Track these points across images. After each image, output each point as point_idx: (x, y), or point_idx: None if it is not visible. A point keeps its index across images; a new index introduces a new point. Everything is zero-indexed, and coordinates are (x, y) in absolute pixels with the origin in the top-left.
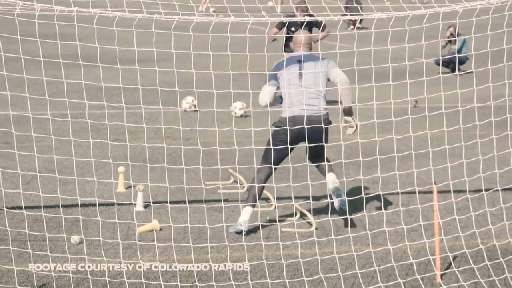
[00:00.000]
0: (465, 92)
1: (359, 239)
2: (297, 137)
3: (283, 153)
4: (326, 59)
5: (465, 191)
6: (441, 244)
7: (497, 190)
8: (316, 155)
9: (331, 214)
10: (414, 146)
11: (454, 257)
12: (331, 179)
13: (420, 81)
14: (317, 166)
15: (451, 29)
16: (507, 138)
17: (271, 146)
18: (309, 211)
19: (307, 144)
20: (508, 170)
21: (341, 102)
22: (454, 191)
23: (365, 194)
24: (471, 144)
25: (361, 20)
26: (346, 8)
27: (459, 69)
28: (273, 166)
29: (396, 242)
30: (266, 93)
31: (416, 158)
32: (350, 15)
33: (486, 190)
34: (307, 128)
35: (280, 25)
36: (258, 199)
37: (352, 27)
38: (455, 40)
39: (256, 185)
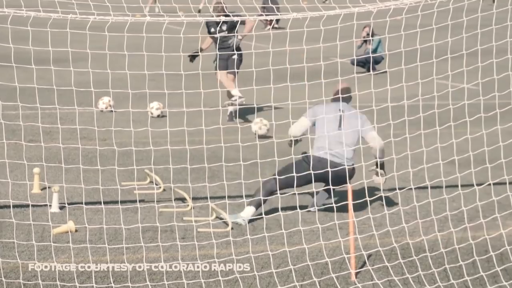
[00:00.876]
0: (379, 91)
1: (274, 239)
2: (321, 177)
3: (297, 183)
4: (364, 116)
5: (380, 190)
6: (355, 242)
7: (411, 188)
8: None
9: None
10: None
11: (369, 256)
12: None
13: (336, 81)
14: None
15: (367, 29)
16: (421, 138)
17: (294, 172)
18: (225, 211)
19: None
20: (421, 169)
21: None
22: (369, 190)
23: (280, 193)
24: (385, 143)
25: (278, 20)
26: (263, 8)
27: (374, 69)
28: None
29: (312, 241)
30: (299, 126)
31: None
32: (266, 15)
33: (400, 188)
34: (333, 172)
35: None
36: (262, 204)
37: (269, 27)
38: (371, 40)
39: (261, 197)
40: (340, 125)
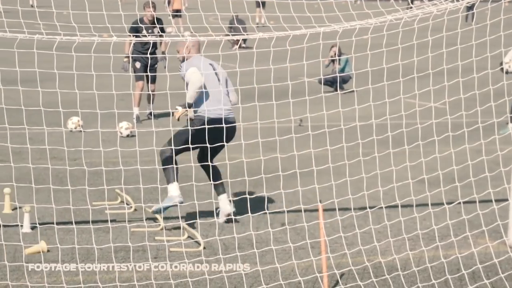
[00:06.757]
0: (348, 110)
1: (247, 258)
2: (218, 137)
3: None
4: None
5: (350, 208)
6: (328, 261)
7: (381, 207)
8: (215, 154)
9: (218, 233)
10: (299, 165)
11: (341, 275)
12: (226, 203)
13: (305, 100)
14: (207, 167)
15: (334, 48)
16: (390, 156)
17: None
18: (197, 230)
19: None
20: (391, 188)
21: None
22: (340, 209)
23: (251, 213)
24: (355, 162)
25: (245, 40)
26: (230, 28)
27: (342, 88)
28: (173, 148)
29: (284, 261)
30: (199, 76)
31: (301, 176)
32: (233, 35)
33: (371, 207)
34: (227, 128)
35: (133, 30)
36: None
37: (236, 47)
38: (337, 59)
39: (170, 166)
40: (219, 81)
